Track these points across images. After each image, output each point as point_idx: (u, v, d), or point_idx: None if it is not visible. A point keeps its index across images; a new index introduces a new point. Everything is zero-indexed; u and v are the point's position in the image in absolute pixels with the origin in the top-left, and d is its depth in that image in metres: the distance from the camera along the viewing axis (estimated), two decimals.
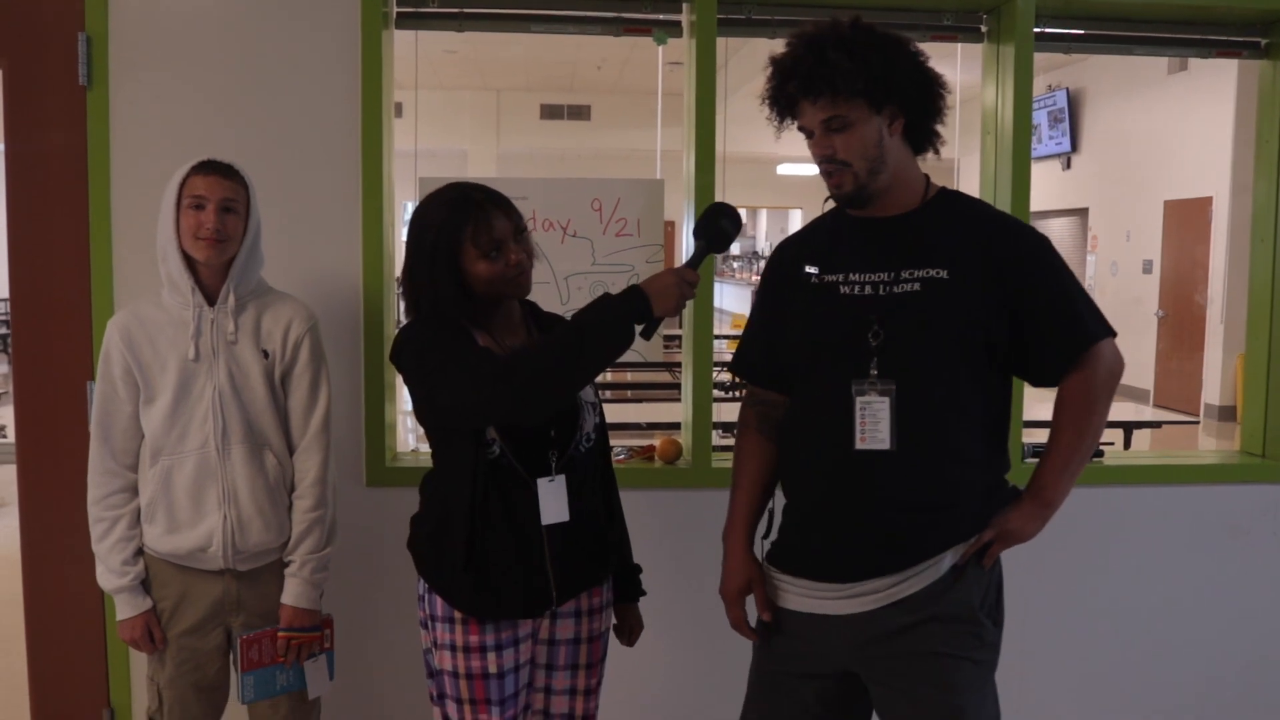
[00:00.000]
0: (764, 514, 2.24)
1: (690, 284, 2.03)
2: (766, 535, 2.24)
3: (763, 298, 2.27)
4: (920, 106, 2.07)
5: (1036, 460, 2.15)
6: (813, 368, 2.10)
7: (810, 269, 2.13)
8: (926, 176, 2.16)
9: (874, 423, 2.00)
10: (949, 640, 2.02)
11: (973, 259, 2.03)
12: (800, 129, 2.09)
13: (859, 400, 2.01)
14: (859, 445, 2.01)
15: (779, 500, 2.22)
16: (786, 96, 2.05)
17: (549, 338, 2.08)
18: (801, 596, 2.11)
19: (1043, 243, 2.12)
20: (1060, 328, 2.06)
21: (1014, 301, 2.03)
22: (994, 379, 2.10)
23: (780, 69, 2.05)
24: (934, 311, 2.02)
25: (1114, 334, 2.10)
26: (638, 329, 2.02)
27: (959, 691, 2.02)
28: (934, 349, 2.02)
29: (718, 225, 2.11)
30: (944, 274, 2.02)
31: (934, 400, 2.02)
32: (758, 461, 2.24)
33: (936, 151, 2.15)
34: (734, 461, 2.27)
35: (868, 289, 2.06)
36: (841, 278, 2.09)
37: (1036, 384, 2.18)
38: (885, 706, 2.10)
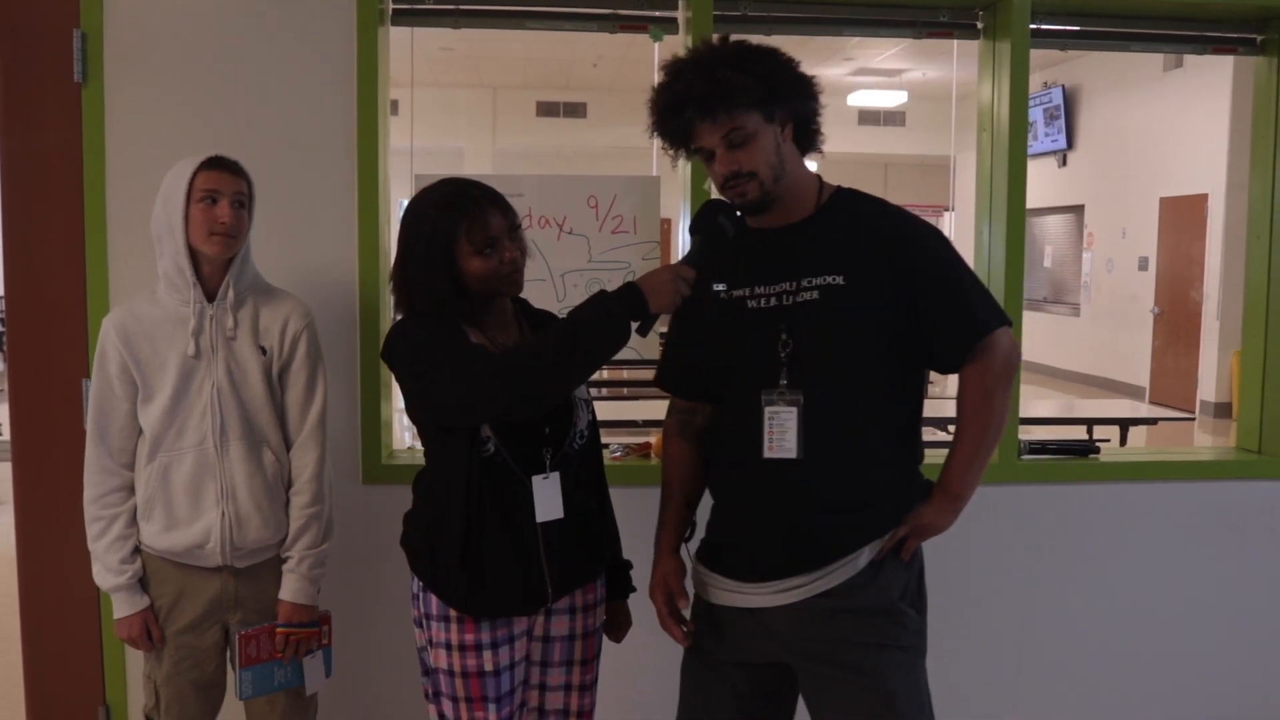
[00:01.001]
0: (692, 517, 2.31)
1: (686, 281, 2.03)
2: (689, 538, 2.30)
3: (676, 317, 2.28)
4: (805, 109, 2.11)
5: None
6: (729, 381, 2.15)
7: (718, 286, 2.17)
8: (819, 178, 2.19)
9: (781, 432, 2.05)
10: (873, 631, 2.07)
11: (867, 260, 2.07)
12: (698, 152, 2.10)
13: (767, 410, 2.06)
14: (767, 454, 2.06)
15: (708, 501, 2.28)
16: (683, 122, 2.06)
17: (545, 335, 2.08)
18: (729, 592, 2.16)
19: (934, 236, 2.15)
20: (953, 320, 2.09)
21: (909, 297, 2.06)
22: (903, 376, 2.14)
23: (672, 97, 2.06)
24: (834, 318, 2.05)
25: (1009, 323, 2.14)
26: (634, 326, 2.03)
27: (888, 678, 2.06)
28: (839, 356, 2.06)
29: (715, 222, 2.11)
30: (840, 280, 2.05)
31: (844, 407, 2.06)
32: (682, 468, 2.31)
33: (820, 150, 2.19)
34: (662, 470, 2.34)
35: (772, 300, 2.10)
36: (748, 292, 2.13)
37: (941, 371, 2.21)
38: (815, 694, 2.13)
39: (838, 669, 2.07)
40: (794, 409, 2.04)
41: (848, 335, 2.05)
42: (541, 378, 2.01)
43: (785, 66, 2.08)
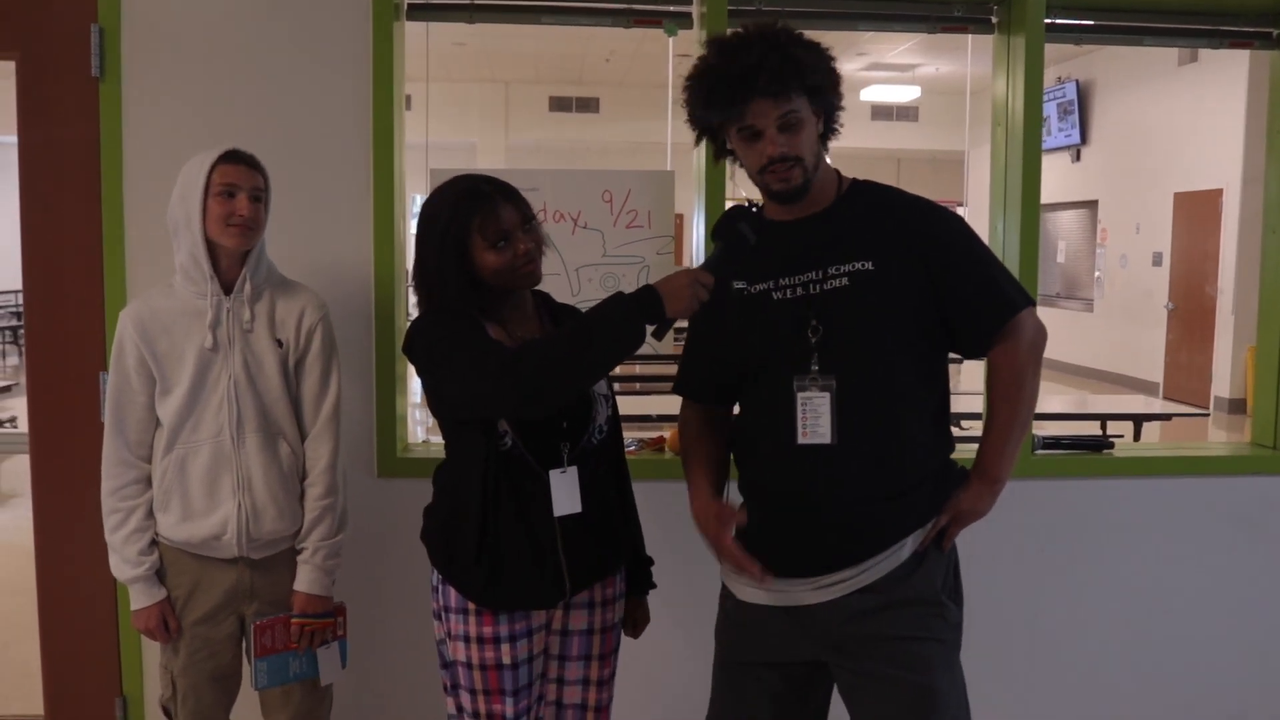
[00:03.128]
0: (723, 488, 2.23)
1: (705, 286, 2.02)
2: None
3: (696, 319, 2.26)
4: (835, 105, 2.12)
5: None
6: (758, 373, 2.14)
7: (738, 284, 2.15)
8: (837, 170, 2.20)
9: (814, 418, 2.04)
10: (915, 623, 2.06)
11: (893, 246, 2.07)
12: (741, 131, 2.06)
13: (800, 396, 2.05)
14: (801, 440, 2.04)
15: (734, 498, 2.23)
16: (743, 95, 2.01)
17: (559, 333, 2.09)
18: (766, 590, 2.13)
19: (957, 221, 2.17)
20: (982, 301, 2.10)
21: (937, 281, 2.07)
22: (933, 361, 2.15)
23: (739, 68, 2.01)
24: (866, 303, 2.05)
25: (1033, 303, 2.15)
26: (649, 329, 2.02)
27: (929, 671, 2.05)
28: (871, 340, 2.06)
29: (736, 229, 2.09)
30: (869, 265, 2.06)
31: (877, 391, 2.05)
32: (705, 446, 2.26)
33: (826, 146, 2.18)
34: (683, 456, 2.29)
35: (799, 290, 2.09)
36: (771, 284, 2.12)
37: (967, 355, 2.22)
38: (853, 691, 2.11)
39: (877, 664, 2.05)
40: (827, 394, 2.03)
41: (880, 319, 2.05)
42: (552, 377, 2.01)
43: (831, 60, 2.08)
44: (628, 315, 2.00)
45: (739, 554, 2.11)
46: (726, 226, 2.11)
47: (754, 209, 2.14)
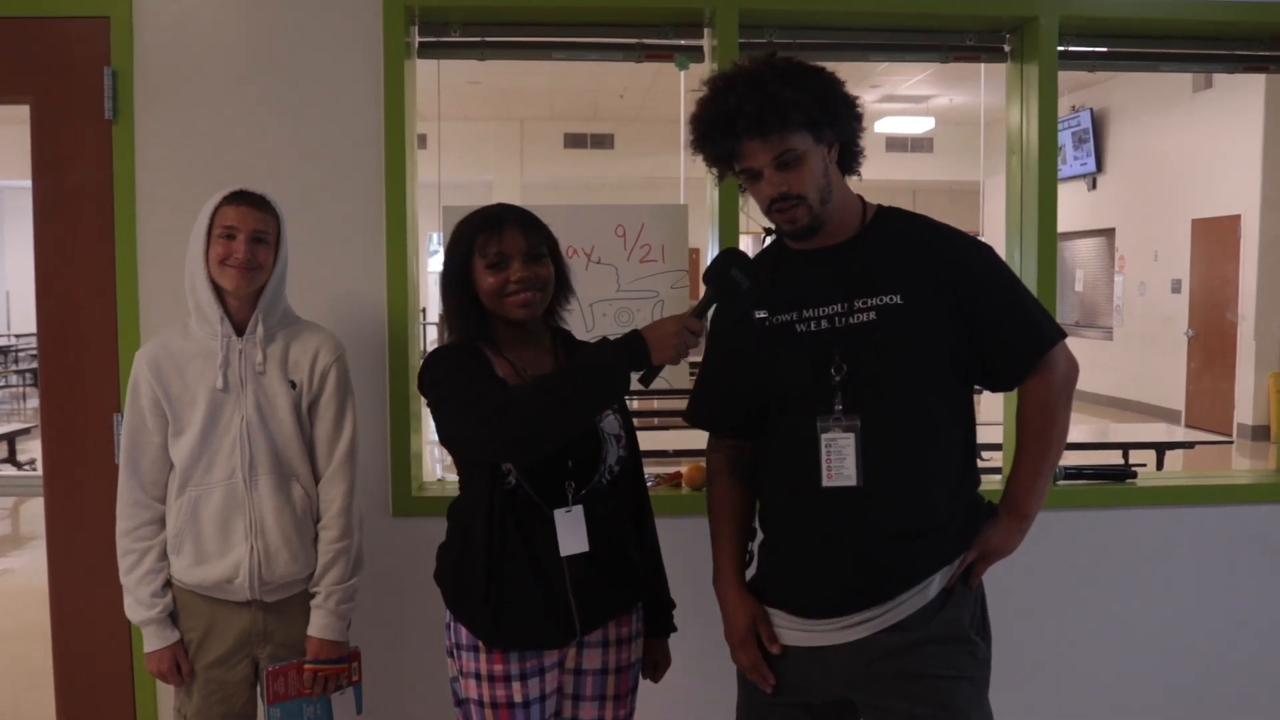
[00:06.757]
0: (746, 555, 2.22)
1: (693, 333, 1.98)
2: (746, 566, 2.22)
3: (714, 347, 2.22)
4: (850, 131, 2.06)
5: None
6: (780, 409, 2.08)
7: (760, 313, 2.11)
8: (860, 198, 2.14)
9: (839, 459, 1.99)
10: (944, 661, 2.01)
11: (924, 279, 2.02)
12: (743, 172, 2.04)
13: (824, 438, 2.00)
14: (825, 483, 2.00)
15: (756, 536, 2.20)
16: (731, 139, 1.99)
17: (544, 379, 2.05)
18: (792, 630, 2.09)
19: (989, 253, 2.12)
20: (1016, 335, 2.06)
21: (969, 314, 2.02)
22: (960, 396, 2.10)
23: (720, 113, 1.99)
24: (894, 340, 2.00)
25: (1065, 336, 2.11)
26: (637, 375, 2.00)
27: (959, 710, 2.01)
28: (899, 378, 2.01)
29: (728, 275, 2.04)
30: (898, 299, 2.01)
31: (903, 430, 2.01)
32: (733, 506, 2.22)
33: (858, 173, 2.13)
34: (710, 509, 2.25)
35: (824, 323, 2.04)
36: (795, 315, 2.07)
37: (995, 389, 2.18)
38: None
39: (906, 703, 2.00)
40: (851, 435, 1.98)
41: (908, 356, 2.00)
42: (534, 422, 1.98)
43: (835, 86, 2.02)
44: (613, 364, 1.98)
45: (764, 668, 2.12)
46: (718, 272, 2.05)
47: (770, 237, 2.11)
